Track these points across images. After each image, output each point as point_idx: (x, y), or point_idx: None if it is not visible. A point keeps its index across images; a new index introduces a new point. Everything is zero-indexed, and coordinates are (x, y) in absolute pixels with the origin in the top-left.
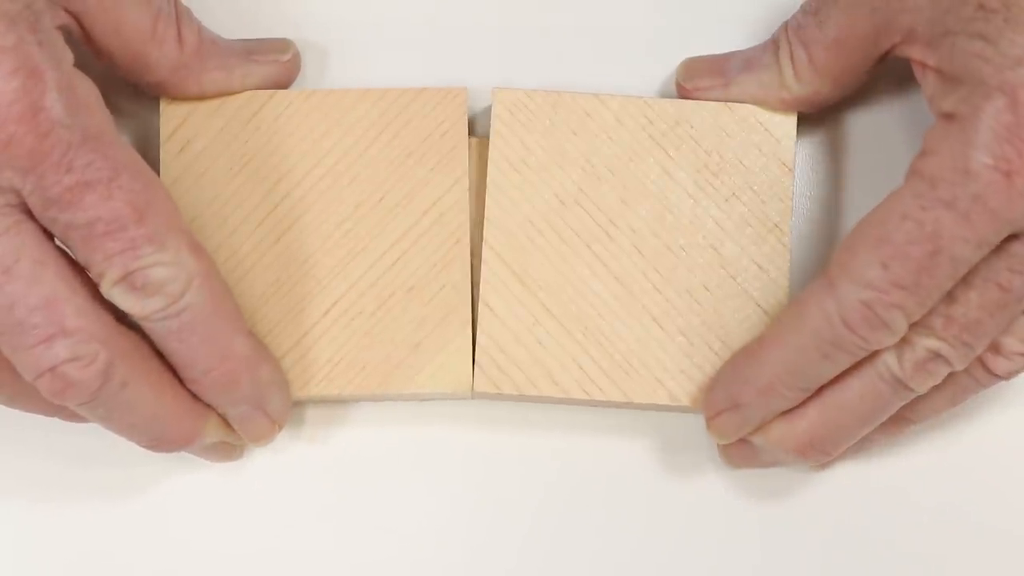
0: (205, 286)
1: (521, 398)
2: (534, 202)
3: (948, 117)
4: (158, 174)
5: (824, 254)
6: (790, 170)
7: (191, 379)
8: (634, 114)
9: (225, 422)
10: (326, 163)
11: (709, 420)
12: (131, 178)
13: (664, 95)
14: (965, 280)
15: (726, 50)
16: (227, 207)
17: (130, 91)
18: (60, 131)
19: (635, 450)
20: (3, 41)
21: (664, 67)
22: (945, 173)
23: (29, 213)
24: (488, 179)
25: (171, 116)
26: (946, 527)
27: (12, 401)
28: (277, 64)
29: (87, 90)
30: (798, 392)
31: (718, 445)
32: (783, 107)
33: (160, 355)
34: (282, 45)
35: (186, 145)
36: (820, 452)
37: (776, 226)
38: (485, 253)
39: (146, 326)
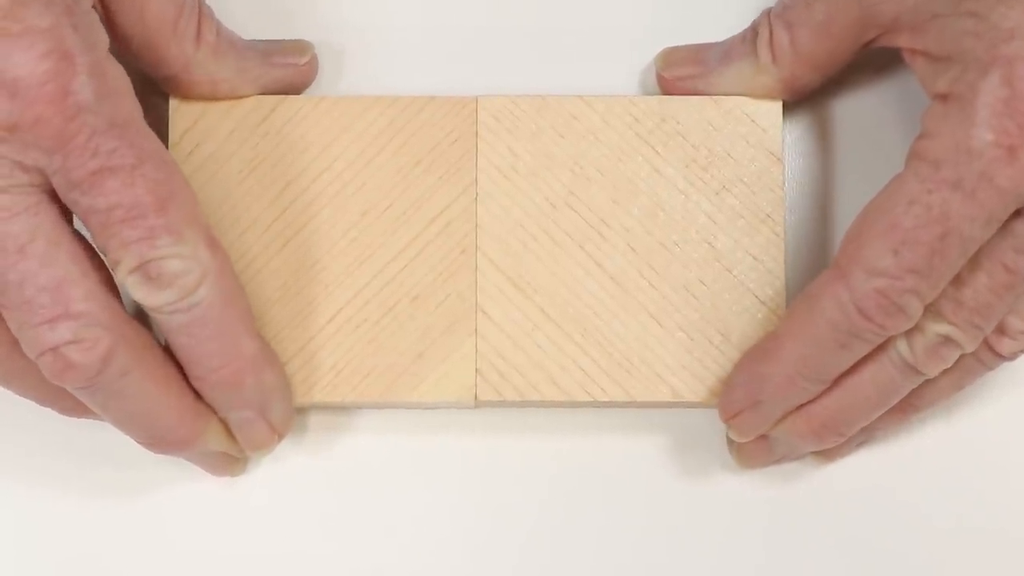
0: (219, 282)
1: (524, 403)
2: (525, 207)
3: (944, 97)
4: None
5: (818, 241)
6: (779, 159)
7: (196, 376)
8: (620, 114)
9: (227, 430)
10: (334, 169)
11: (729, 421)
12: (154, 167)
13: (649, 92)
14: (973, 263)
15: None
16: (235, 211)
17: (137, 96)
18: (86, 116)
19: (641, 448)
20: (39, 22)
21: (650, 64)
22: (948, 154)
23: (51, 195)
24: (478, 187)
25: (181, 118)
26: (952, 524)
27: (7, 381)
28: (294, 68)
29: (118, 77)
30: (817, 384)
31: (731, 447)
32: (762, 93)
33: (168, 351)
34: (300, 48)
35: (195, 148)
36: (834, 434)
37: (768, 216)
38: (479, 261)
39: (156, 318)
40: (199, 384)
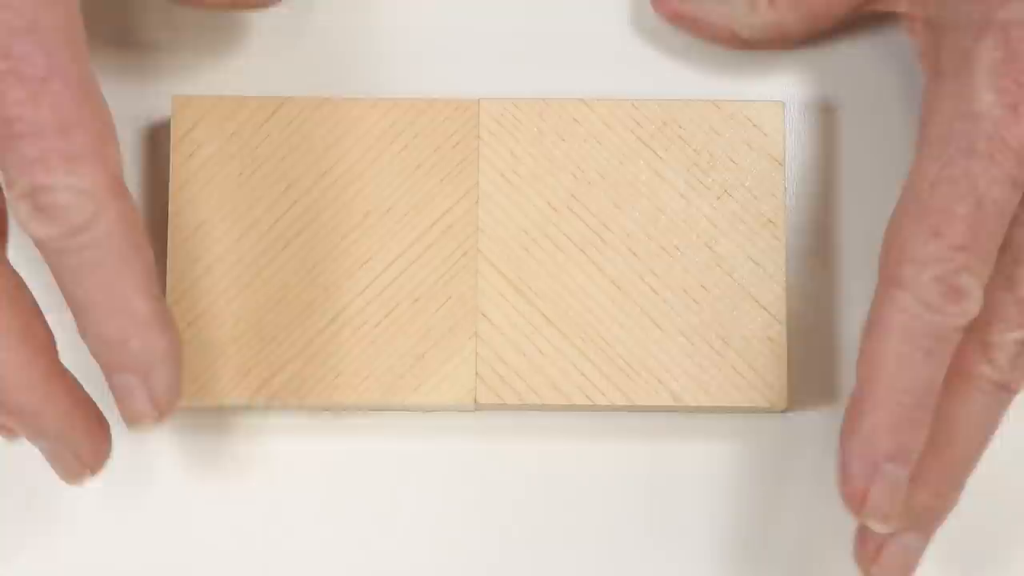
0: (115, 230)
1: (524, 407)
2: (526, 210)
3: (941, 71)
4: (168, 177)
5: (820, 246)
6: (780, 164)
7: (81, 327)
8: (621, 117)
9: (70, 424)
10: (336, 171)
11: (862, 511)
12: (66, 86)
13: (652, 96)
14: (1017, 261)
15: (710, 52)
16: (235, 212)
17: (139, 97)
18: (6, 12)
19: (641, 453)
20: None
21: (651, 67)
22: (955, 124)
23: None
24: (479, 190)
25: (182, 120)
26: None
27: None
28: None
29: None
30: (924, 411)
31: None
32: (749, 34)
33: (38, 317)
34: None
35: (196, 149)
36: (956, 488)
37: (770, 221)
38: (480, 264)
39: (46, 257)
40: (84, 336)
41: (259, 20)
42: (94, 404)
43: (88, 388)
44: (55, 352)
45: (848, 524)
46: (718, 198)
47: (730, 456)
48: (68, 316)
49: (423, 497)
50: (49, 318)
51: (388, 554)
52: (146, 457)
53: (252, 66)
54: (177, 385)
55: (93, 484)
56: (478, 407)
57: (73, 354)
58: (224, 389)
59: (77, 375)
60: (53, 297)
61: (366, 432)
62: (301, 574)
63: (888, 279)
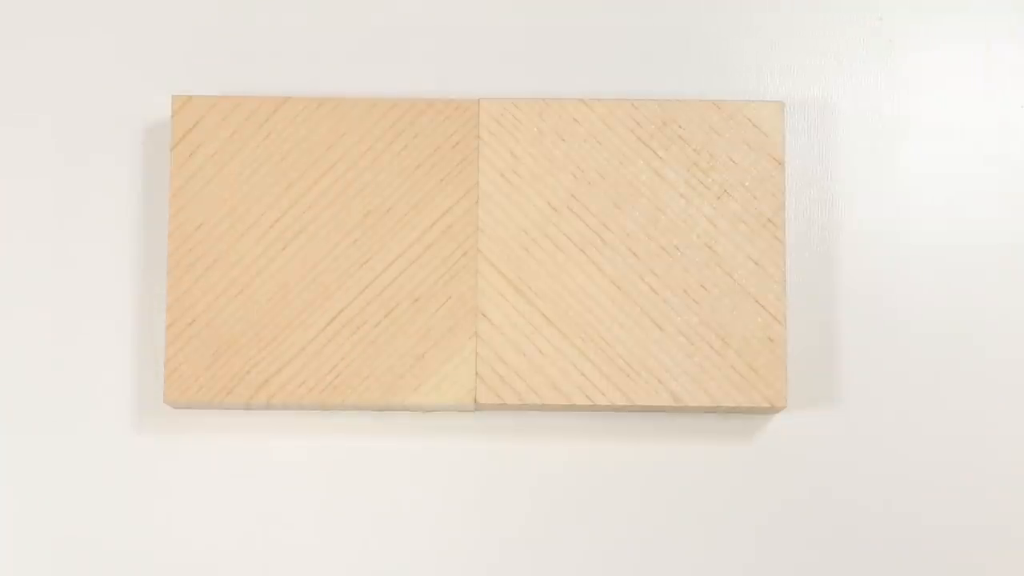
0: None
1: (524, 407)
2: (526, 210)
3: None
4: (168, 177)
5: (819, 246)
6: (780, 164)
7: None
8: (621, 117)
9: None
10: (336, 171)
11: None
12: None
13: (651, 96)
14: None
15: (710, 52)
16: (236, 212)
17: (139, 97)
18: None
19: (641, 453)
20: None
21: (651, 67)
22: None
23: None
24: (479, 190)
25: (182, 121)
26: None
27: None
28: None
29: None
30: None
31: None
32: None
33: None
34: None
35: (196, 150)
36: None
37: (769, 220)
38: (480, 264)
39: None
40: None
41: (259, 20)
42: None
43: (75, 386)
44: None
45: (847, 523)
46: (718, 198)
47: (730, 456)
48: (63, 315)
49: (423, 497)
50: (45, 316)
51: (388, 554)
52: (147, 457)
53: (252, 66)
54: None
55: (95, 484)
56: (478, 407)
57: (65, 349)
58: (224, 389)
59: (66, 372)
60: (48, 295)
61: (366, 432)
62: (301, 573)
63: None
